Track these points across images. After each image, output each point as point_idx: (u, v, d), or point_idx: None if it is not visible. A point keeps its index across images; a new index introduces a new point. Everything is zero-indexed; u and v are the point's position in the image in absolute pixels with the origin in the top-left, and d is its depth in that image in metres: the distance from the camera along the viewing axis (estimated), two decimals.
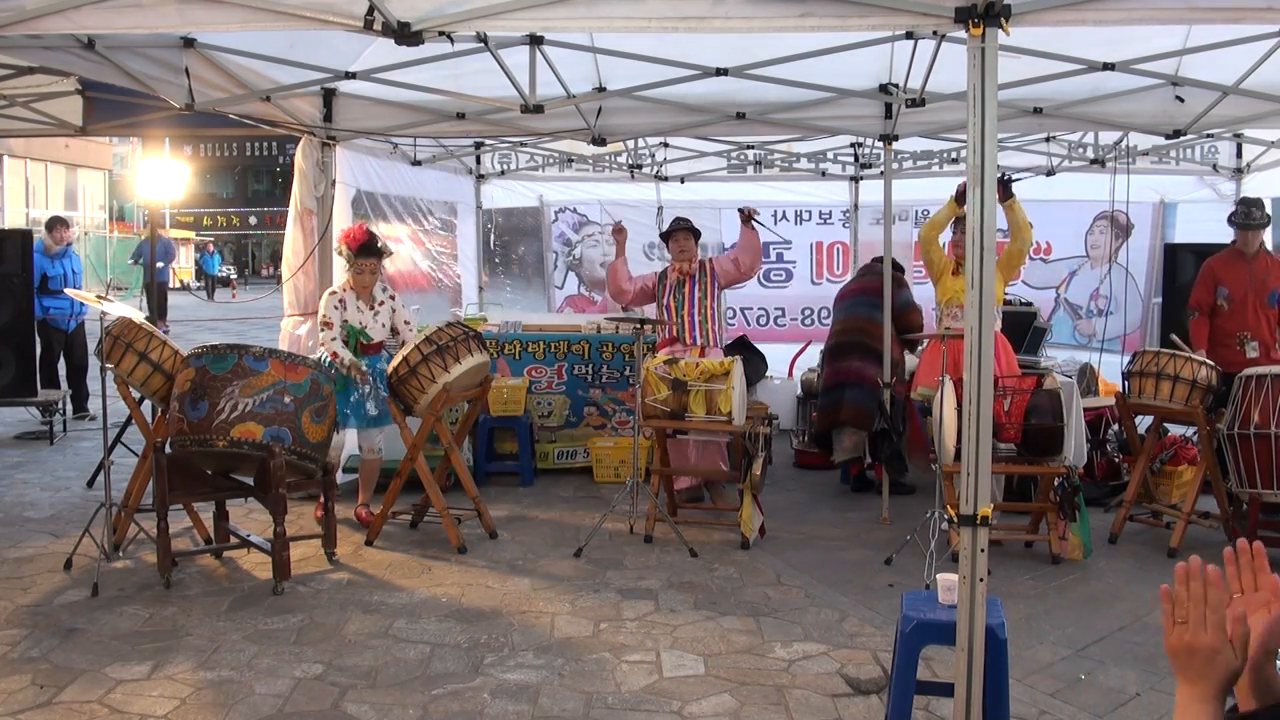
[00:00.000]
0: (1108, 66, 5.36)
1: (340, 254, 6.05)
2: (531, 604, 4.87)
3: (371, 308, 6.00)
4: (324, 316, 5.93)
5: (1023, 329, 7.67)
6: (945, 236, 6.41)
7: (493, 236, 10.15)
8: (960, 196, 6.03)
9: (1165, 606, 1.50)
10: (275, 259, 39.17)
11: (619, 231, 7.02)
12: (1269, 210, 6.62)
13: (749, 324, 9.84)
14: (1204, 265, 6.72)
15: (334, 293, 6.01)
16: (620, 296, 7.11)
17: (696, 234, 6.79)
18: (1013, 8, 3.05)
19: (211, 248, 35.40)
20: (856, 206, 9.52)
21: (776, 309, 9.98)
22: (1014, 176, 6.02)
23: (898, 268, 6.75)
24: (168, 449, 5.04)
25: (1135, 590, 5.13)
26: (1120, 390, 6.32)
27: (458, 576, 5.28)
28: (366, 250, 5.91)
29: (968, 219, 3.12)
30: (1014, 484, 6.30)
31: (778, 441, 6.88)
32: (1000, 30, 3.05)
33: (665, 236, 6.92)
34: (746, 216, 6.76)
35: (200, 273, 38.64)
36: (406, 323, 6.19)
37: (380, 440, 6.20)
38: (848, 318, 7.04)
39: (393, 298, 6.14)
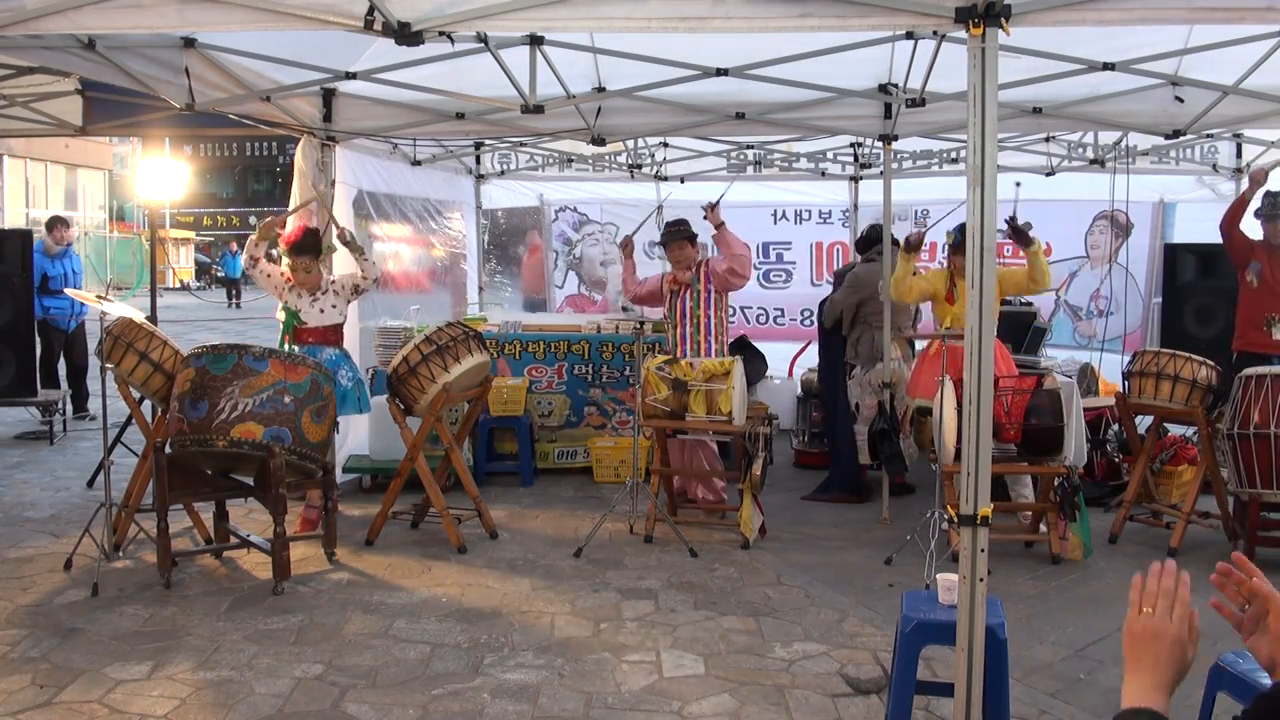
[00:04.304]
0: (1108, 66, 5.36)
1: (279, 252, 6.08)
2: (531, 604, 4.87)
3: (313, 295, 5.95)
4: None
5: (1022, 329, 7.67)
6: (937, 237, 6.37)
7: (487, 236, 10.12)
8: (909, 246, 6.01)
9: (1134, 596, 1.55)
10: None
11: (625, 246, 6.87)
12: None
13: (749, 324, 9.84)
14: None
15: (284, 274, 6.00)
16: (626, 294, 7.10)
17: (693, 238, 6.63)
18: (1013, 8, 3.05)
19: (234, 247, 34.62)
20: (856, 206, 9.50)
21: (776, 309, 9.97)
22: (1029, 225, 5.92)
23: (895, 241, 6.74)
24: (168, 449, 5.04)
25: None
26: (1120, 390, 6.32)
27: (458, 576, 5.28)
28: (297, 249, 5.89)
29: (968, 218, 3.12)
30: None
31: (778, 441, 6.87)
32: (1000, 30, 3.05)
33: (663, 244, 6.79)
34: (715, 218, 6.53)
35: (201, 272, 38.56)
36: (362, 276, 6.06)
37: None
38: None
39: (333, 280, 6.06)
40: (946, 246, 6.23)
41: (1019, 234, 5.74)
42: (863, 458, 6.84)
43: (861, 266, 6.97)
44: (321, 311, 5.95)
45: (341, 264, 6.61)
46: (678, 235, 6.59)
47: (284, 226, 6.20)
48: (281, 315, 6.08)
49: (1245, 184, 8.53)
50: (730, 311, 6.98)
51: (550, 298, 10.25)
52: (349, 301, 6.11)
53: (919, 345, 6.94)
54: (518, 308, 9.96)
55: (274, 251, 6.16)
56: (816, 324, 7.56)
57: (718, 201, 6.67)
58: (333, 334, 6.00)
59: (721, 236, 6.54)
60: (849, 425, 6.90)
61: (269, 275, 5.99)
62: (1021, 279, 5.93)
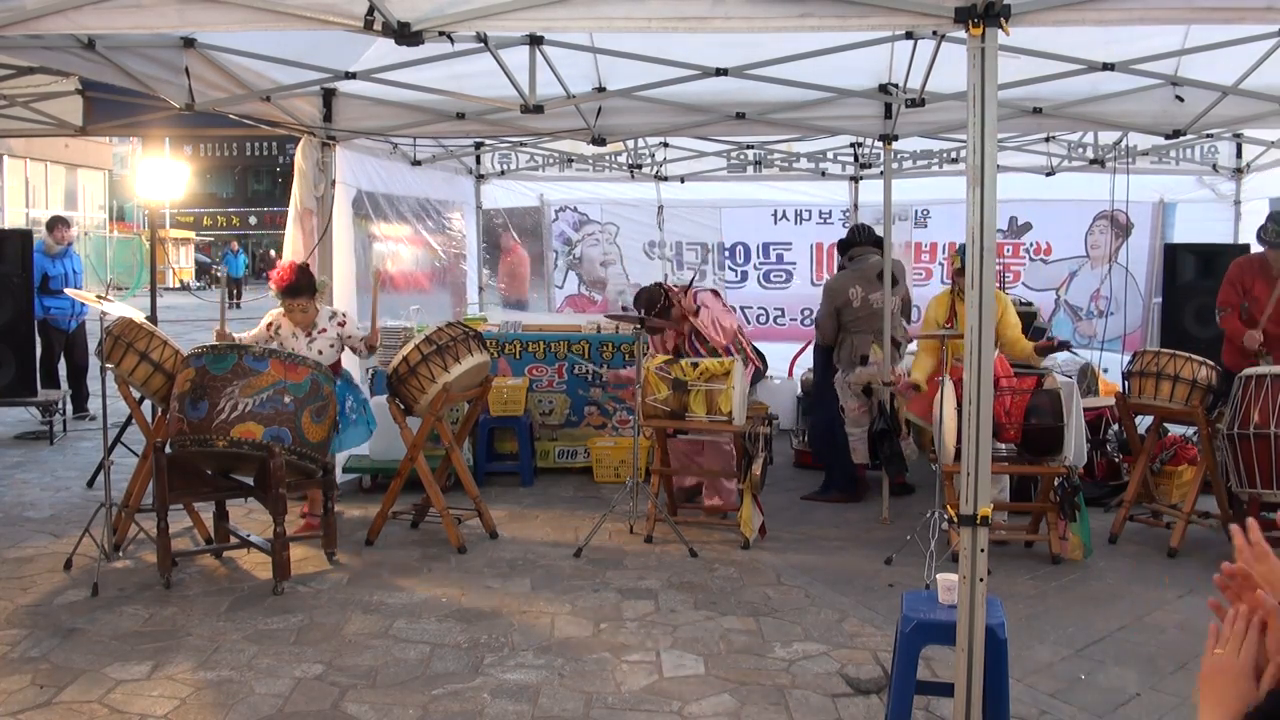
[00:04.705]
0: (1108, 66, 5.36)
1: (273, 294, 5.83)
2: (531, 604, 4.87)
3: (308, 335, 5.74)
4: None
5: (1022, 329, 7.66)
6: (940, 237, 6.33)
7: (481, 235, 10.13)
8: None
9: (1209, 641, 1.50)
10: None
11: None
12: None
13: (749, 324, 9.85)
14: (1232, 265, 6.52)
15: (272, 322, 5.78)
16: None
17: (669, 305, 6.60)
18: (1013, 8, 3.05)
19: (236, 246, 34.30)
20: (856, 206, 9.52)
21: (776, 309, 9.98)
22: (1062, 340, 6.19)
23: (877, 240, 6.77)
24: (168, 449, 5.04)
25: (1135, 590, 5.13)
26: (1120, 390, 6.32)
27: (458, 576, 5.28)
28: (291, 292, 5.64)
29: (968, 218, 3.11)
30: (1014, 484, 6.29)
31: (778, 441, 6.87)
32: (1000, 30, 3.05)
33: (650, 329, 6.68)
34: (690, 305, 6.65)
35: (201, 272, 38.52)
36: (362, 339, 5.86)
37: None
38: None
39: (341, 324, 5.83)
40: (951, 268, 6.20)
41: (1050, 349, 6.00)
42: (857, 458, 6.83)
43: (832, 278, 7.07)
44: (320, 353, 5.72)
45: (340, 296, 6.59)
46: (654, 318, 6.56)
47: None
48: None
49: (1243, 194, 8.56)
50: (733, 310, 6.99)
51: (550, 296, 10.26)
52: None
53: (912, 346, 6.93)
54: (510, 309, 9.96)
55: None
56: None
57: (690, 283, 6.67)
58: (331, 369, 5.74)
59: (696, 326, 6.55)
60: (839, 427, 6.91)
61: (261, 337, 5.76)
62: (1006, 334, 5.93)
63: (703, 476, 6.56)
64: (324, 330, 5.79)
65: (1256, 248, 6.54)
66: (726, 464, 6.37)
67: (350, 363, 6.22)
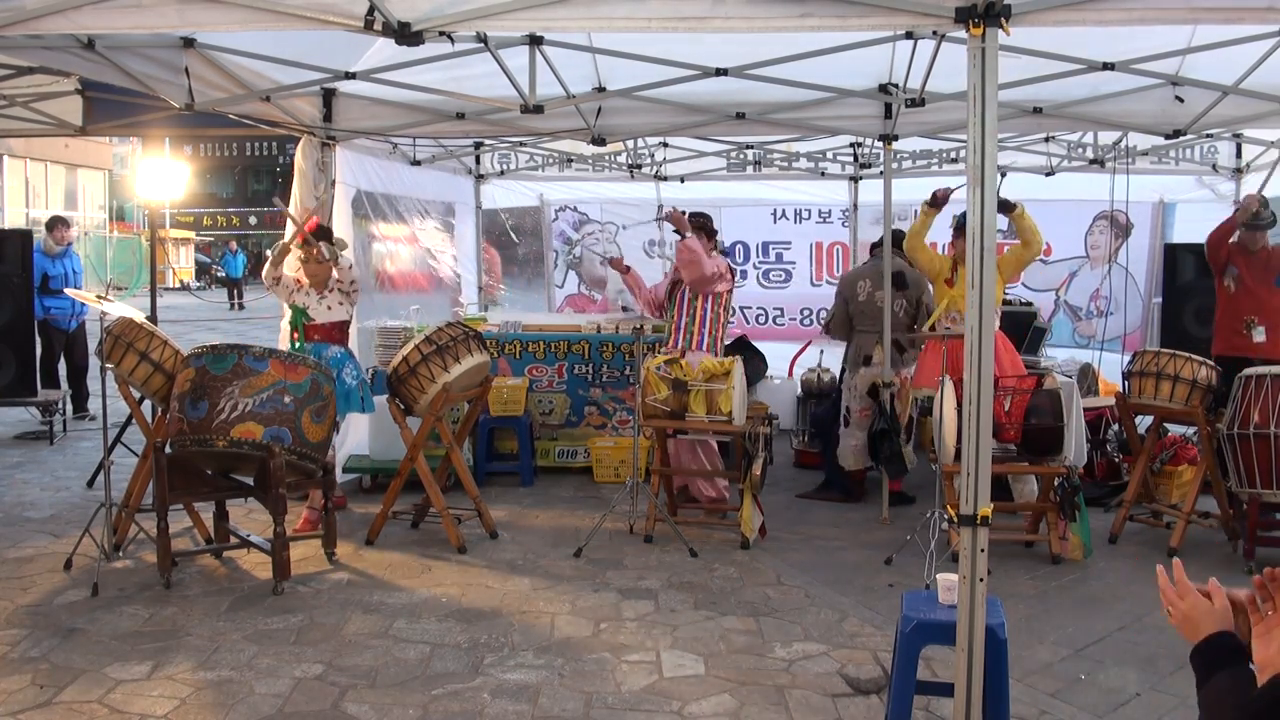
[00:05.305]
0: (1108, 66, 5.36)
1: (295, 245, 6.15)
2: (531, 604, 4.87)
3: (320, 293, 6.03)
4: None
5: (1023, 329, 7.68)
6: (940, 238, 6.34)
7: (500, 237, 10.14)
8: (934, 200, 6.00)
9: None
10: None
11: (617, 264, 6.86)
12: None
13: (749, 324, 9.85)
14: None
15: (298, 278, 6.11)
16: (644, 308, 7.22)
17: (711, 234, 6.52)
18: (1013, 8, 3.05)
19: (234, 246, 34.34)
20: (856, 206, 9.52)
21: (776, 309, 9.98)
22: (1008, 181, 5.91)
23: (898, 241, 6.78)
24: (168, 449, 5.04)
25: (1135, 590, 5.12)
26: (1120, 390, 6.32)
27: (458, 576, 5.28)
28: (314, 236, 5.97)
29: (968, 218, 3.12)
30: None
31: (778, 441, 6.87)
32: (1000, 30, 3.05)
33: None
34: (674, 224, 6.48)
35: (201, 272, 38.49)
36: (353, 283, 6.12)
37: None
38: None
39: (339, 281, 6.08)
40: (951, 230, 6.20)
41: (1002, 205, 5.73)
42: (853, 461, 6.78)
43: (848, 271, 7.07)
44: (329, 309, 6.03)
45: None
46: (705, 230, 6.55)
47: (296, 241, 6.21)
48: (288, 313, 6.14)
49: (1242, 195, 8.57)
50: (731, 311, 6.96)
51: (550, 296, 10.26)
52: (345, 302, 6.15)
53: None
54: (516, 308, 9.96)
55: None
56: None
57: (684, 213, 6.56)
58: (338, 331, 6.07)
59: (682, 247, 6.36)
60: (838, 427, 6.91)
61: (285, 284, 6.06)
62: (1018, 253, 5.93)
63: (696, 476, 6.56)
64: (331, 290, 6.07)
65: None
66: (713, 462, 6.38)
67: (351, 346, 6.33)
